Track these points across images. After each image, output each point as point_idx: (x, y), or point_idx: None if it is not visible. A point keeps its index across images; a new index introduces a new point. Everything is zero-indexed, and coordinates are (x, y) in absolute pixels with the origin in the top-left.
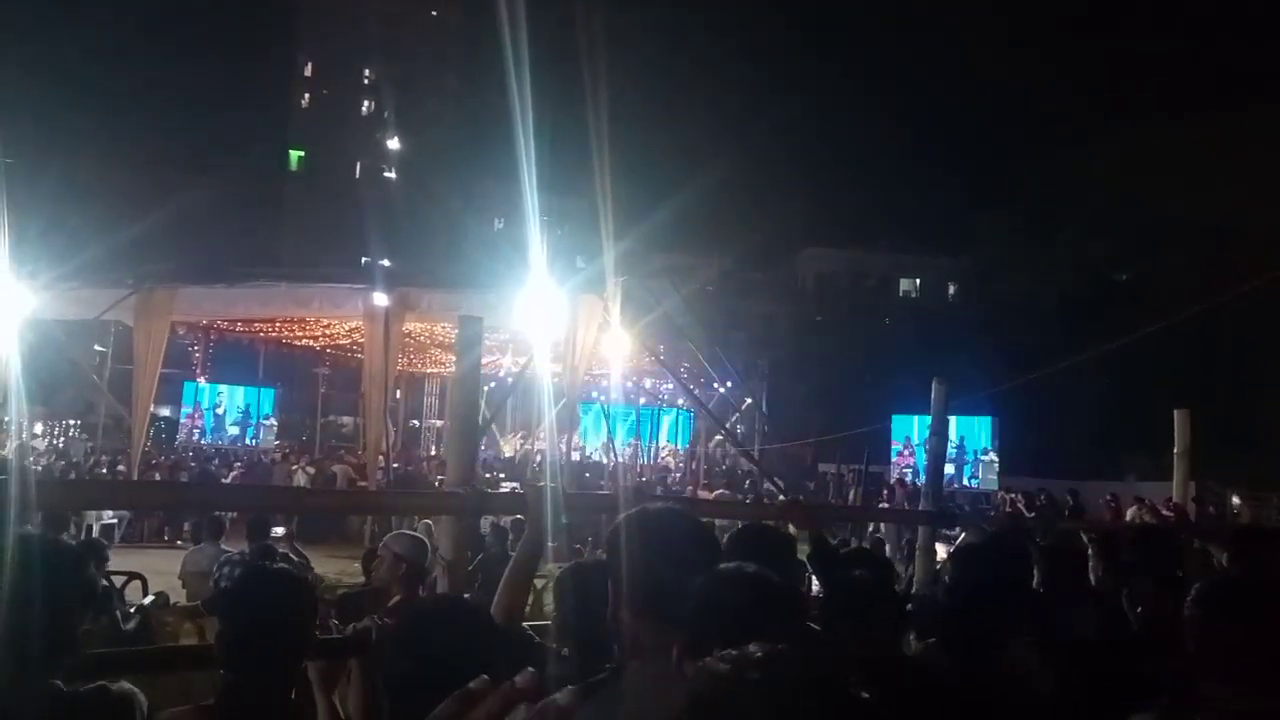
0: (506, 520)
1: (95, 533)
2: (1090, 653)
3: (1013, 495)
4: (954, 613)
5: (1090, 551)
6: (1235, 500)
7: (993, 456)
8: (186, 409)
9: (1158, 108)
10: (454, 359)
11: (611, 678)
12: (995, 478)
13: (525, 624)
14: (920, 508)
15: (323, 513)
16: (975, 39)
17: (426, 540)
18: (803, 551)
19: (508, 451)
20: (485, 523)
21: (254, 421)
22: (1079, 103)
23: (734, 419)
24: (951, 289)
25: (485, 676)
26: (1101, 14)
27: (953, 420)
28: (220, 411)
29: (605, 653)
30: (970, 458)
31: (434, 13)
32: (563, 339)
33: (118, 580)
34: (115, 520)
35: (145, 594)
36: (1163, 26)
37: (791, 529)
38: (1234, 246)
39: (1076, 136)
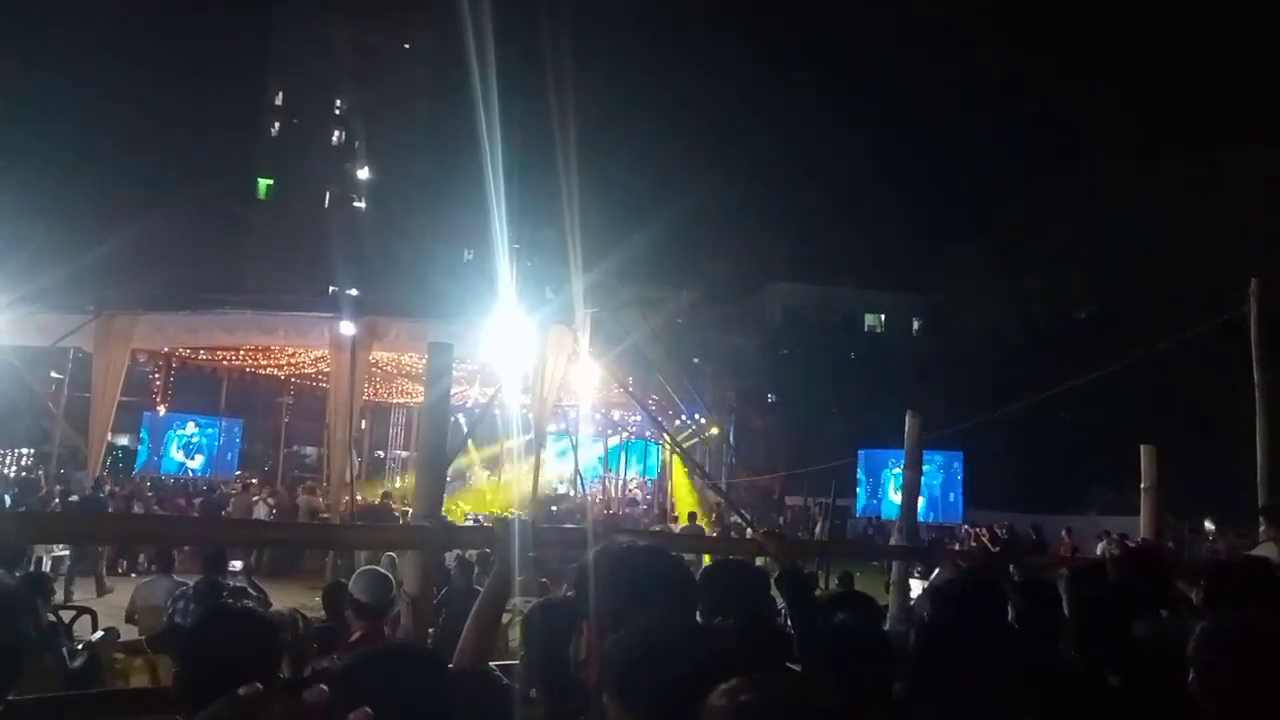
0: (472, 554)
1: (46, 565)
2: (1075, 684)
3: (977, 530)
4: (928, 649)
5: (1062, 587)
6: (1209, 526)
7: (953, 496)
8: (145, 441)
9: (1121, 147)
10: (421, 389)
11: None
12: (959, 511)
13: (492, 663)
14: (893, 543)
15: (283, 546)
16: (943, 80)
17: (390, 575)
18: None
19: (473, 482)
20: (450, 556)
21: (215, 452)
22: (1043, 142)
23: (700, 450)
24: (916, 324)
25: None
26: (1068, 55)
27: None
28: (182, 442)
29: (573, 695)
30: (934, 493)
31: (406, 45)
32: (532, 370)
33: (66, 615)
34: (66, 551)
35: (95, 629)
36: (1128, 67)
37: (759, 561)
38: (1195, 283)
39: (1041, 175)
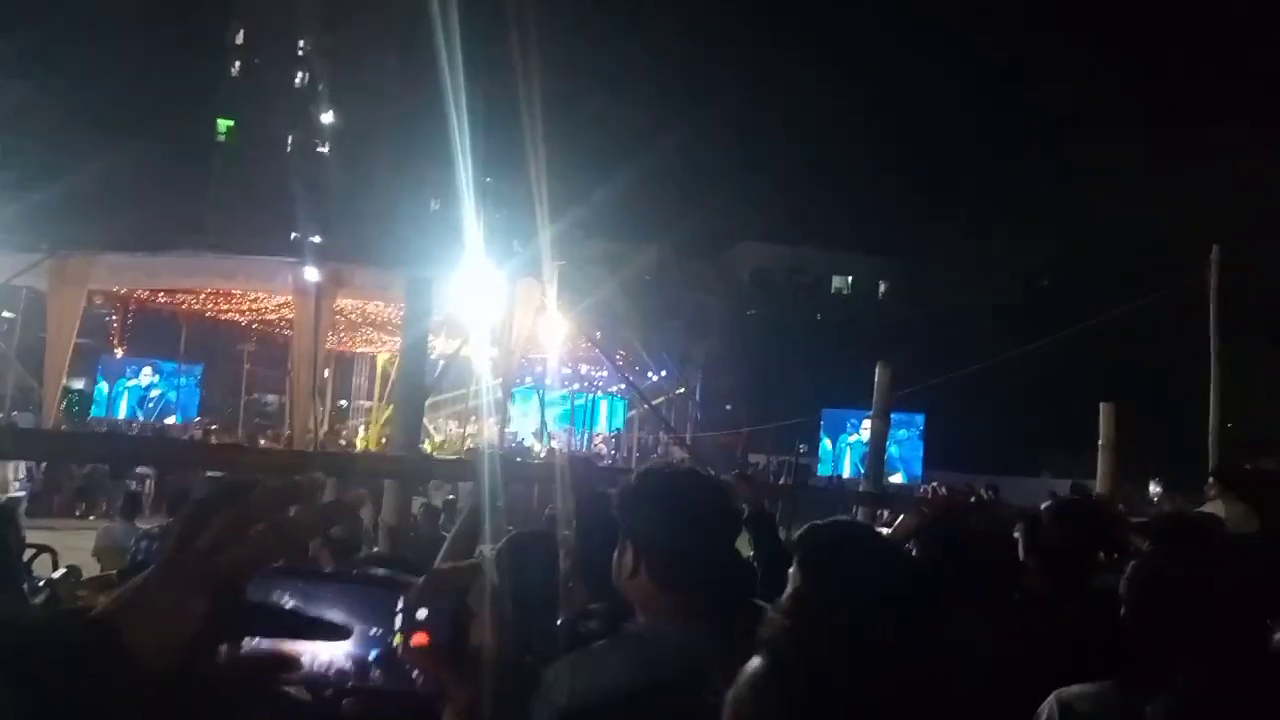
0: (439, 500)
1: None
2: (1037, 622)
3: (935, 484)
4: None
5: (1018, 534)
6: (1153, 489)
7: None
8: (102, 385)
9: (1093, 120)
10: (387, 339)
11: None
12: (919, 471)
13: None
14: (861, 489)
15: (263, 473)
16: (919, 47)
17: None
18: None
19: (438, 437)
20: (415, 503)
21: (174, 391)
22: (1016, 112)
23: (667, 406)
24: (882, 287)
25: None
26: (1044, 27)
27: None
28: (136, 395)
29: (543, 631)
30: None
31: None
32: (499, 322)
33: (26, 554)
34: (22, 494)
35: (55, 568)
36: (1102, 40)
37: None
38: (1159, 253)
39: (1013, 145)
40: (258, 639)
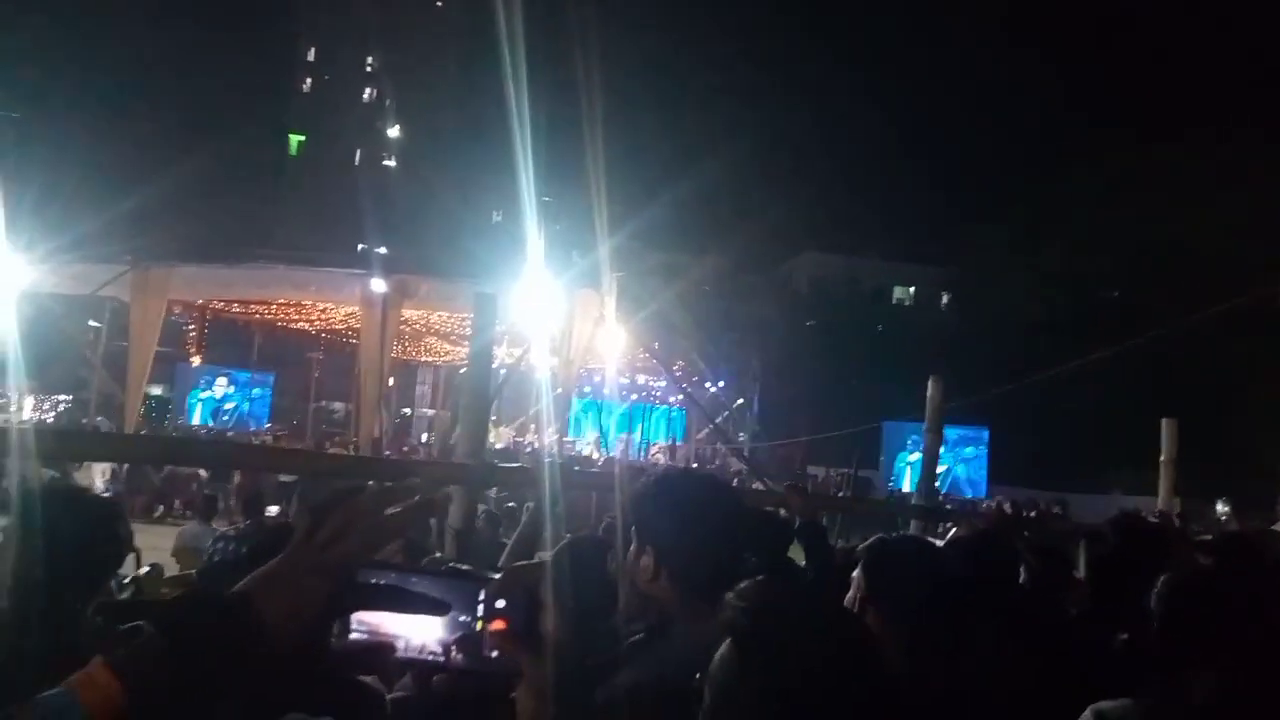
0: (499, 507)
1: None
2: (1063, 641)
3: (999, 499)
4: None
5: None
6: (1220, 507)
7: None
8: (190, 391)
9: (1152, 129)
10: (450, 348)
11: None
12: (984, 487)
13: None
14: (913, 503)
15: (333, 476)
16: (976, 56)
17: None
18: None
19: (498, 444)
20: (479, 510)
21: (247, 403)
22: (1074, 121)
23: (725, 417)
24: (945, 299)
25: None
26: (1101, 35)
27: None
28: (213, 396)
29: (599, 633)
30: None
31: (438, 2)
32: (559, 332)
33: None
34: (108, 494)
35: (139, 566)
36: (1159, 49)
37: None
38: (1220, 266)
39: (1071, 155)
40: (363, 628)
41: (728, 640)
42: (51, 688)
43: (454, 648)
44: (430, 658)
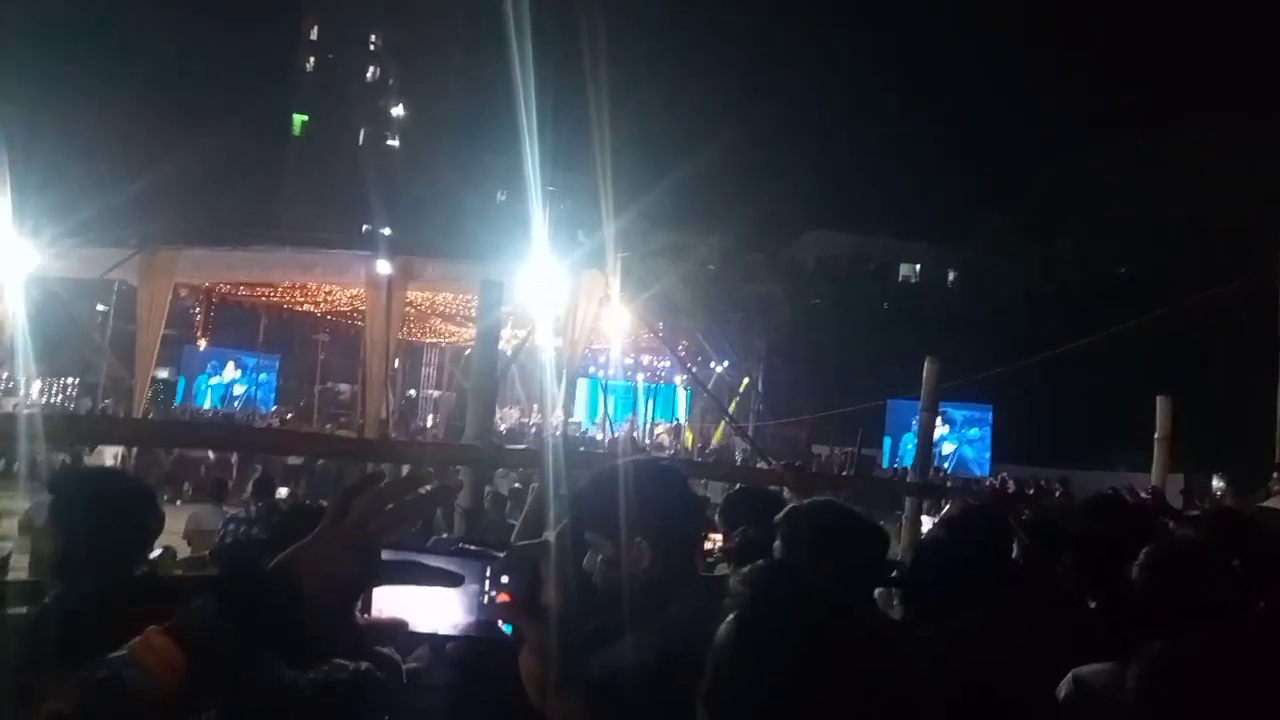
0: (506, 489)
1: None
2: (1064, 605)
3: (1002, 476)
4: (918, 566)
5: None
6: (1216, 483)
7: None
8: (198, 375)
9: (1161, 109)
10: (455, 329)
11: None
12: (986, 464)
13: None
14: (909, 480)
15: (342, 458)
16: (983, 33)
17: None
18: None
19: (503, 425)
20: (485, 490)
21: (254, 387)
22: (1083, 101)
23: (730, 398)
24: (951, 276)
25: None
26: (1114, 17)
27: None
28: (221, 382)
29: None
30: (963, 446)
31: None
32: (564, 313)
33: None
34: None
35: (150, 549)
36: (1168, 28)
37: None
38: (1229, 248)
39: (1080, 134)
40: (382, 605)
41: (730, 617)
42: (99, 651)
43: (465, 617)
44: (442, 631)
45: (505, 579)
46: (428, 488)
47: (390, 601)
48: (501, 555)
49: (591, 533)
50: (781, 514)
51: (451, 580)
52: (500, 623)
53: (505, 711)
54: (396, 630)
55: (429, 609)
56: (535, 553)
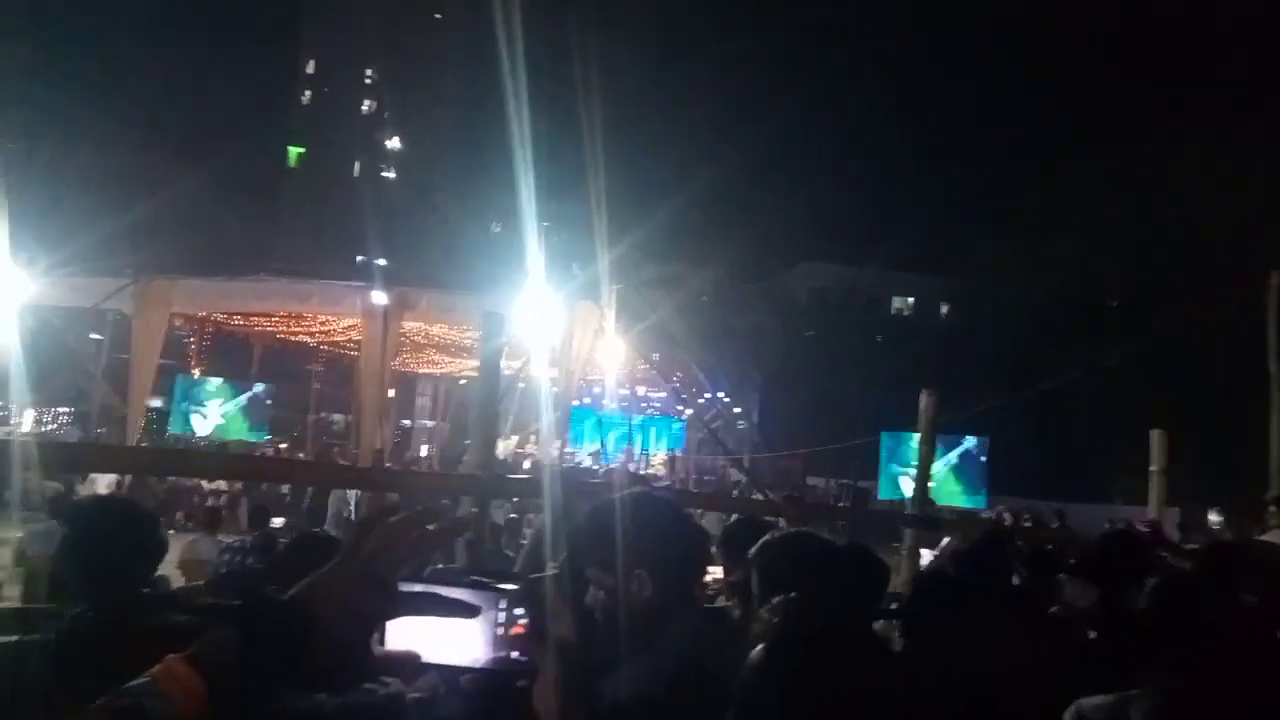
0: (501, 519)
1: None
2: (1062, 633)
3: (1001, 507)
4: (918, 594)
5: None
6: (1213, 517)
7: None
8: (183, 404)
9: (1150, 133)
10: (450, 360)
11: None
12: (983, 496)
13: None
14: (907, 513)
15: (345, 486)
16: (970, 60)
17: None
18: None
19: (500, 456)
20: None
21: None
22: (1071, 125)
23: (718, 427)
24: (944, 308)
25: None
26: (1095, 35)
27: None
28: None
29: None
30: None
31: (437, 15)
32: (558, 344)
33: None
34: None
35: None
36: (1156, 47)
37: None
38: (1223, 273)
39: (1072, 164)
40: (402, 637)
41: (760, 646)
42: (110, 673)
43: (479, 649)
44: (455, 662)
45: (518, 610)
46: (442, 521)
47: (402, 632)
48: (510, 587)
49: (591, 569)
50: (756, 546)
51: (469, 612)
52: (514, 653)
53: None
54: (409, 662)
55: (441, 640)
56: (548, 585)
